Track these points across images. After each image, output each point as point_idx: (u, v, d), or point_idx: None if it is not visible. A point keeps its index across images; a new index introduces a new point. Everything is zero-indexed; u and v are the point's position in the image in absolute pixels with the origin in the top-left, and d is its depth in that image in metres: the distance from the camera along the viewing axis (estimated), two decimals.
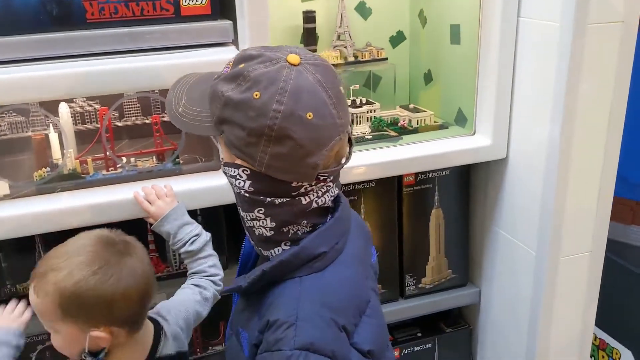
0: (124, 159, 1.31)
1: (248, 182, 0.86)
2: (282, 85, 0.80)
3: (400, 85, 1.75)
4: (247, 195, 0.87)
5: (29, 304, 1.06)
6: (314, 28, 1.57)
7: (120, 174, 1.28)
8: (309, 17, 1.55)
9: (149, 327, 1.07)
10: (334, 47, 1.62)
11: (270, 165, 0.83)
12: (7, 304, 1.21)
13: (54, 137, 1.28)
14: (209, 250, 1.21)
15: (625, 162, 1.50)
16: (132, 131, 1.45)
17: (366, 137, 1.50)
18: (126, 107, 1.43)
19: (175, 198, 1.22)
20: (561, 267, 1.40)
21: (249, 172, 0.86)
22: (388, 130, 1.54)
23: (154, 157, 1.33)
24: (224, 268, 1.27)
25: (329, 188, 0.89)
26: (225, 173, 0.90)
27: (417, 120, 1.58)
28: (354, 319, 0.87)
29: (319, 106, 0.82)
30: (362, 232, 1.01)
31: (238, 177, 0.87)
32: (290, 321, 0.82)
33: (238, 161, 0.86)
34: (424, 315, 1.69)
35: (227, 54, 1.19)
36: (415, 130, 1.54)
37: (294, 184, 0.85)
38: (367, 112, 1.56)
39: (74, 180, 1.25)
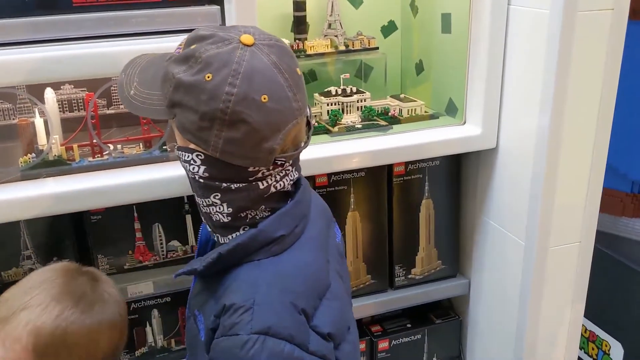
0: (111, 146, 1.29)
1: (202, 167, 0.84)
2: (235, 67, 0.78)
3: (392, 75, 1.74)
4: (202, 180, 0.85)
5: None
6: (304, 16, 1.56)
7: (107, 161, 1.27)
8: (299, 4, 1.54)
9: None
10: (325, 35, 1.61)
11: (225, 151, 0.81)
12: None
13: (39, 123, 1.27)
14: None
15: (616, 153, 1.50)
16: (120, 119, 1.44)
17: (356, 126, 1.49)
18: (114, 94, 1.42)
19: None
20: (550, 257, 1.39)
21: (203, 156, 0.83)
22: (378, 120, 1.53)
23: (140, 144, 1.32)
24: None
25: (287, 172, 0.88)
26: (179, 158, 0.87)
27: (408, 110, 1.57)
28: (313, 302, 0.86)
29: (274, 89, 0.80)
30: (322, 213, 1.00)
31: (192, 162, 0.85)
32: (247, 305, 0.80)
33: (192, 145, 0.84)
34: (414, 307, 1.68)
35: None
36: (405, 120, 1.54)
37: (250, 169, 0.83)
38: (358, 102, 1.55)
39: (59, 167, 1.24)
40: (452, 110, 1.56)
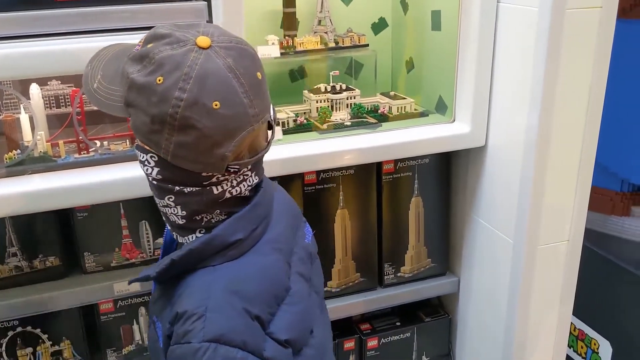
0: (97, 143, 1.28)
1: (156, 170, 0.82)
2: (187, 70, 0.75)
3: (382, 72, 1.73)
4: (156, 182, 0.84)
5: None
6: (294, 12, 1.55)
7: (93, 157, 1.26)
8: (289, 1, 1.53)
9: None
10: (315, 32, 1.60)
11: (176, 155, 0.79)
12: None
13: (24, 119, 1.25)
14: None
15: (606, 151, 1.50)
16: (106, 115, 1.42)
17: (345, 123, 1.49)
18: None
19: None
20: (538, 255, 1.39)
21: (157, 158, 0.82)
22: (368, 117, 1.53)
23: (127, 140, 1.31)
24: None
25: (245, 177, 0.85)
26: (137, 157, 0.86)
27: (398, 108, 1.56)
28: (270, 308, 0.84)
29: (227, 94, 0.77)
30: (288, 213, 0.97)
31: (146, 162, 0.83)
32: (199, 312, 0.78)
33: (147, 146, 0.82)
34: (403, 305, 1.68)
35: None
36: (395, 118, 1.53)
37: (204, 174, 0.81)
38: (347, 99, 1.54)
39: (45, 163, 1.22)
40: (441, 108, 1.55)
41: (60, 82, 1.39)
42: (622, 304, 1.82)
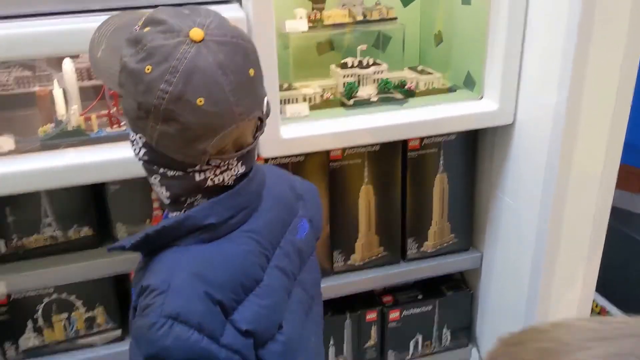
0: None
1: (143, 150, 0.84)
2: (175, 63, 0.74)
3: (410, 46, 1.72)
4: (142, 162, 0.86)
5: None
6: None
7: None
8: None
9: None
10: (343, 5, 1.59)
11: (159, 143, 0.80)
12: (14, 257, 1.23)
13: (58, 93, 1.28)
14: None
15: (635, 129, 1.48)
16: None
17: (372, 99, 1.49)
18: None
19: None
20: (563, 233, 1.39)
21: (144, 140, 0.83)
22: (395, 93, 1.52)
23: None
24: None
25: (230, 167, 0.85)
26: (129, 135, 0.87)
27: (425, 83, 1.56)
28: (235, 296, 0.83)
29: (212, 91, 0.76)
30: (280, 207, 0.96)
31: (135, 142, 0.85)
32: (161, 289, 0.80)
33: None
34: (426, 279, 1.70)
35: (229, 12, 1.18)
36: (422, 93, 1.53)
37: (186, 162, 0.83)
38: (374, 74, 1.54)
39: (78, 137, 1.26)
40: (470, 83, 1.54)
41: None
42: None
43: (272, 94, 1.25)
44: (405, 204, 1.59)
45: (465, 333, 1.78)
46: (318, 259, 1.52)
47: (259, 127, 0.87)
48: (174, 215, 0.88)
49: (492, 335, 1.71)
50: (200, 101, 0.75)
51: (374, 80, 1.54)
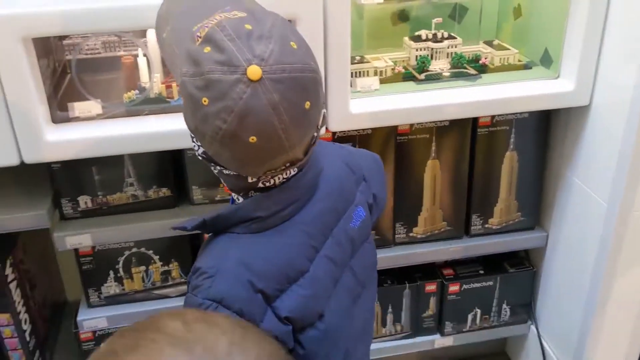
0: None
1: (201, 149, 0.86)
2: (231, 104, 0.75)
3: (487, 18, 1.67)
4: (200, 158, 0.88)
5: None
6: None
7: None
8: None
9: None
10: None
11: (214, 156, 0.83)
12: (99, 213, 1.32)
13: (142, 61, 1.35)
14: None
15: None
16: None
17: (444, 74, 1.48)
18: None
19: None
20: (631, 222, 1.36)
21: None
22: (468, 68, 1.51)
23: None
24: None
25: (280, 172, 0.86)
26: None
27: (500, 59, 1.53)
28: (279, 286, 0.86)
29: (265, 130, 0.77)
30: (335, 195, 0.96)
31: (194, 140, 0.87)
32: (210, 272, 0.84)
33: None
34: (488, 254, 1.71)
35: None
36: (497, 69, 1.50)
37: None
38: (448, 47, 1.52)
39: (159, 104, 1.32)
40: (547, 61, 1.50)
41: None
42: None
43: (343, 67, 1.27)
44: (472, 180, 1.59)
45: (525, 309, 1.78)
46: (380, 229, 1.57)
47: (312, 143, 0.87)
48: (236, 197, 0.92)
49: (552, 314, 1.71)
50: (253, 139, 0.77)
51: (448, 54, 1.52)
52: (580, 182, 1.50)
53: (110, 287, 1.52)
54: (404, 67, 1.50)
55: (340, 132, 1.44)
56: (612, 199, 1.37)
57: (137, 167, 1.43)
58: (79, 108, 1.28)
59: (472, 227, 1.63)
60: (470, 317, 1.74)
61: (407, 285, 1.66)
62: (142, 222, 1.45)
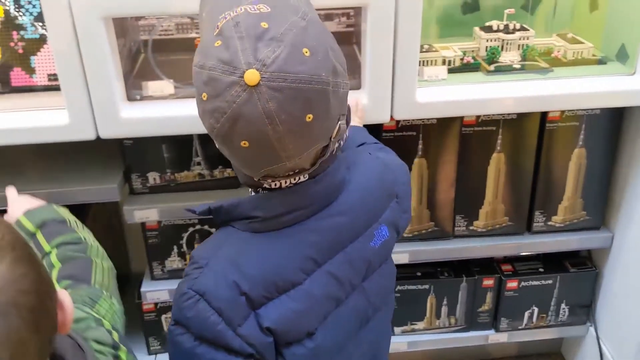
0: None
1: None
2: (224, 105, 0.72)
3: (562, 10, 1.63)
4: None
5: None
6: None
7: None
8: None
9: None
10: None
11: (218, 148, 0.81)
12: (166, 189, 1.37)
13: None
14: None
15: None
16: None
17: (514, 66, 1.45)
18: None
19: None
20: None
21: None
22: (539, 61, 1.47)
23: None
24: None
25: (287, 177, 0.82)
26: None
27: (573, 53, 1.49)
28: (267, 293, 0.81)
29: (257, 138, 0.73)
30: (361, 210, 0.90)
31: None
32: (200, 263, 0.82)
33: None
34: (550, 253, 1.67)
35: None
36: (569, 63, 1.46)
37: None
38: (520, 39, 1.49)
39: None
40: (622, 57, 1.45)
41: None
42: None
43: (412, 55, 1.26)
44: (537, 175, 1.55)
45: (584, 311, 1.74)
46: (440, 221, 1.56)
47: (322, 153, 0.82)
48: (250, 191, 0.88)
49: (613, 316, 1.67)
50: (245, 144, 0.74)
51: (519, 45, 1.49)
52: None
53: (174, 262, 1.58)
54: (473, 58, 1.48)
55: (404, 120, 1.43)
56: None
57: (204, 147, 1.47)
58: (152, 87, 1.32)
59: (535, 224, 1.60)
60: (527, 314, 1.72)
61: (465, 278, 1.65)
62: (207, 200, 1.48)
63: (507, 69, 1.44)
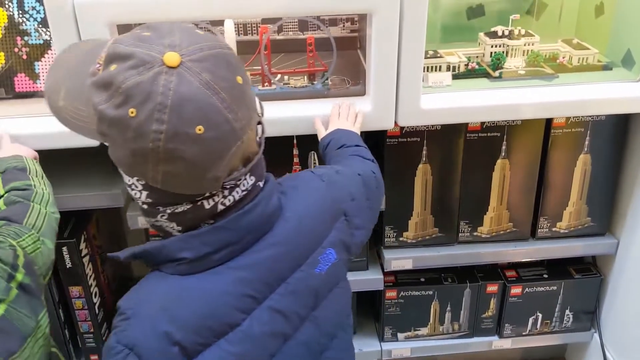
0: (278, 76, 1.39)
1: (145, 193, 0.76)
2: (161, 99, 0.67)
3: (567, 15, 1.62)
4: (146, 206, 0.78)
5: None
6: None
7: (274, 91, 1.36)
8: None
9: None
10: None
11: (166, 182, 0.73)
12: None
13: None
14: None
15: None
16: (288, 45, 1.53)
17: (519, 72, 1.44)
18: (284, 22, 1.51)
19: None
20: None
21: (144, 182, 0.75)
22: (544, 67, 1.47)
23: (305, 77, 1.39)
24: None
25: (238, 183, 0.78)
26: (124, 179, 0.79)
27: (579, 59, 1.48)
28: (201, 339, 0.76)
29: (209, 115, 0.69)
30: (301, 238, 0.85)
31: (133, 186, 0.77)
32: (127, 314, 0.77)
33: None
34: (554, 259, 1.67)
35: None
36: (575, 69, 1.45)
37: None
38: (525, 45, 1.49)
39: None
40: (628, 62, 1.45)
41: None
42: None
43: (417, 61, 1.25)
44: (542, 181, 1.55)
45: (588, 317, 1.73)
46: (444, 227, 1.56)
47: (260, 130, 0.81)
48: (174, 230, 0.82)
49: (618, 323, 1.66)
50: (200, 129, 0.69)
51: (524, 51, 1.49)
52: None
53: None
54: (478, 64, 1.47)
55: (408, 127, 1.43)
56: None
57: None
58: None
59: (539, 230, 1.59)
60: (530, 320, 1.71)
61: (468, 284, 1.64)
62: None
63: (512, 75, 1.43)
